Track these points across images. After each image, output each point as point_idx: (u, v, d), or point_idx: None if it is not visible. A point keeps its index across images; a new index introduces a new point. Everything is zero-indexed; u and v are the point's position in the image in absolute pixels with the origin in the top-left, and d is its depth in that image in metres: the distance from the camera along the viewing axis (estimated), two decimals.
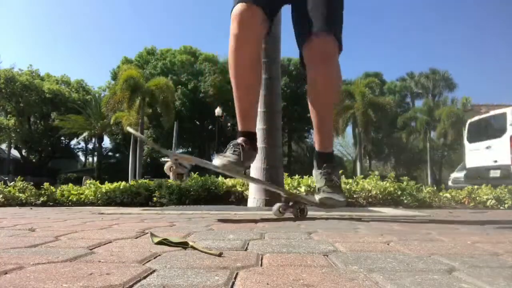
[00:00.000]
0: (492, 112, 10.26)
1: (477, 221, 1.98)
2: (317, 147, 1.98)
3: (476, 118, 10.62)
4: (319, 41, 1.80)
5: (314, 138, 2.02)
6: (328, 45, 1.81)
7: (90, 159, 39.67)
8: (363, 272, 0.68)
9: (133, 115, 18.54)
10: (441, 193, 3.99)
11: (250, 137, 1.88)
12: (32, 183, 4.66)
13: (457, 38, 69.62)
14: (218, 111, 22.21)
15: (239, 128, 1.91)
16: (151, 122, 25.76)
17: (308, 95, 1.96)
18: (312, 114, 1.96)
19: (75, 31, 76.19)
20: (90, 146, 37.27)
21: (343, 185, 3.80)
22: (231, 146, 1.80)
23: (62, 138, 32.59)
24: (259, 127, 3.39)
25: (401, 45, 72.18)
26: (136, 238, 1.15)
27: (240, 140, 1.83)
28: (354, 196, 3.67)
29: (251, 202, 3.22)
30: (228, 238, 1.12)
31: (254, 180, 2.81)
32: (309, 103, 1.97)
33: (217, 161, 1.70)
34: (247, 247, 0.96)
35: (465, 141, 10.63)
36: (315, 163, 1.96)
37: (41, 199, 4.15)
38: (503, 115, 9.14)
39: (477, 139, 9.90)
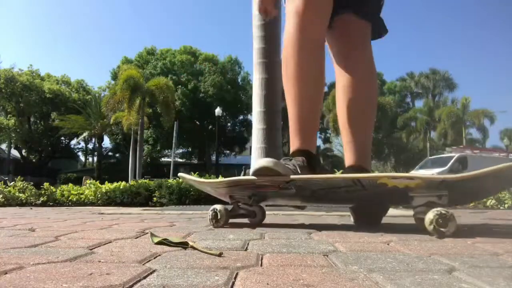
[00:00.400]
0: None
1: (477, 221, 1.98)
2: (352, 162, 1.58)
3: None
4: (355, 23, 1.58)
5: (347, 152, 1.62)
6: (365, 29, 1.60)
7: (90, 159, 39.69)
8: (363, 272, 0.68)
9: (133, 115, 18.52)
10: None
11: (311, 159, 1.45)
12: (32, 183, 4.67)
13: (457, 38, 69.66)
14: (218, 111, 22.22)
15: (296, 146, 1.47)
16: (151, 122, 25.74)
17: (342, 94, 1.64)
18: (346, 119, 1.61)
19: (75, 31, 76.22)
20: (90, 146, 37.29)
21: None
22: (283, 159, 1.45)
23: (62, 138, 32.59)
24: (259, 127, 3.39)
25: (401, 45, 72.25)
26: (136, 238, 1.15)
27: (298, 159, 1.42)
28: None
29: None
30: (228, 238, 1.12)
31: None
32: (341, 105, 1.63)
33: (261, 161, 1.33)
34: (247, 247, 0.96)
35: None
36: None
37: (41, 199, 4.16)
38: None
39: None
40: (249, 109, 28.09)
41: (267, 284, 0.60)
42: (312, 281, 0.62)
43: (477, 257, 0.84)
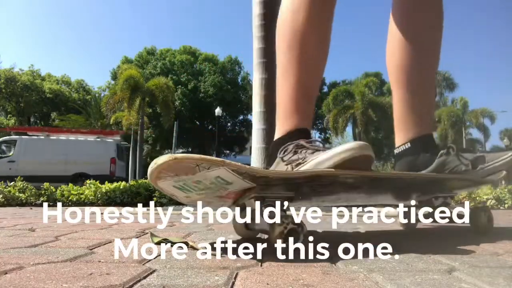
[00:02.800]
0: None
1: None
2: (417, 133, 1.27)
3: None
4: None
5: (400, 123, 1.32)
6: None
7: None
8: (363, 272, 0.68)
9: (133, 115, 18.52)
10: None
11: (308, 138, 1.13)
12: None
13: (458, 38, 69.70)
14: (218, 111, 22.23)
15: (290, 125, 1.14)
16: (151, 122, 25.75)
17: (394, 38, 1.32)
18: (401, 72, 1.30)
19: (75, 31, 76.16)
20: None
21: None
22: (292, 148, 1.05)
23: None
24: (259, 127, 3.39)
25: None
26: (136, 238, 1.15)
27: (302, 141, 1.06)
28: None
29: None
30: (228, 238, 1.12)
31: None
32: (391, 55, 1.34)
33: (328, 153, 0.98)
34: (247, 247, 0.96)
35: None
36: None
37: (41, 199, 4.16)
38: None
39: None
40: (249, 109, 28.09)
41: (267, 284, 0.60)
42: (312, 281, 0.62)
43: (477, 257, 0.84)
